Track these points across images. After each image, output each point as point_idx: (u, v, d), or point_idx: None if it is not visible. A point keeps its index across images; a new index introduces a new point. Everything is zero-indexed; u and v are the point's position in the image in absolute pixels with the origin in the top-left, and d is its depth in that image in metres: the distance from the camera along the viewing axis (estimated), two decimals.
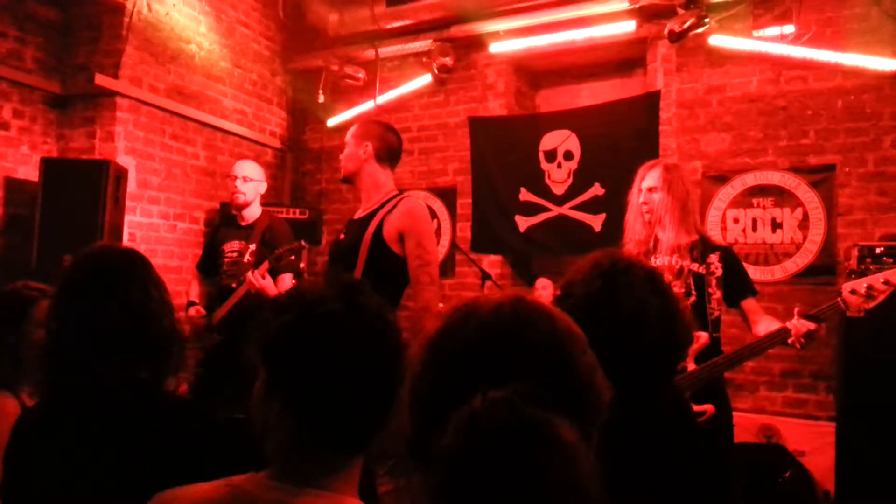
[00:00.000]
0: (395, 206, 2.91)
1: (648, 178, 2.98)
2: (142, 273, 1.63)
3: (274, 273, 3.50)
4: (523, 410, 0.75)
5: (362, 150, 3.00)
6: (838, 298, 2.63)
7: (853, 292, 2.60)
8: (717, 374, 2.79)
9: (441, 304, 2.77)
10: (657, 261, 2.98)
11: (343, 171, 3.10)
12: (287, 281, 3.67)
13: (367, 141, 3.01)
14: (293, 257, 3.62)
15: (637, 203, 3.01)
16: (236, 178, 3.90)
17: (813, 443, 4.24)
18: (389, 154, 3.06)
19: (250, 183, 3.93)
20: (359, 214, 3.06)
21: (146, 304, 1.59)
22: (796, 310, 2.61)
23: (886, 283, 2.56)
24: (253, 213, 3.98)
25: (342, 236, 3.11)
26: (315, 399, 1.11)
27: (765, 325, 2.85)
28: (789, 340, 2.60)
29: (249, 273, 3.45)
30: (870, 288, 2.57)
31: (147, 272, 1.64)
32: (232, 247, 3.91)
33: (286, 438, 1.13)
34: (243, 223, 3.97)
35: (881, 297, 2.58)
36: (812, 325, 2.57)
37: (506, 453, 0.73)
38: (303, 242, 3.57)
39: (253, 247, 3.76)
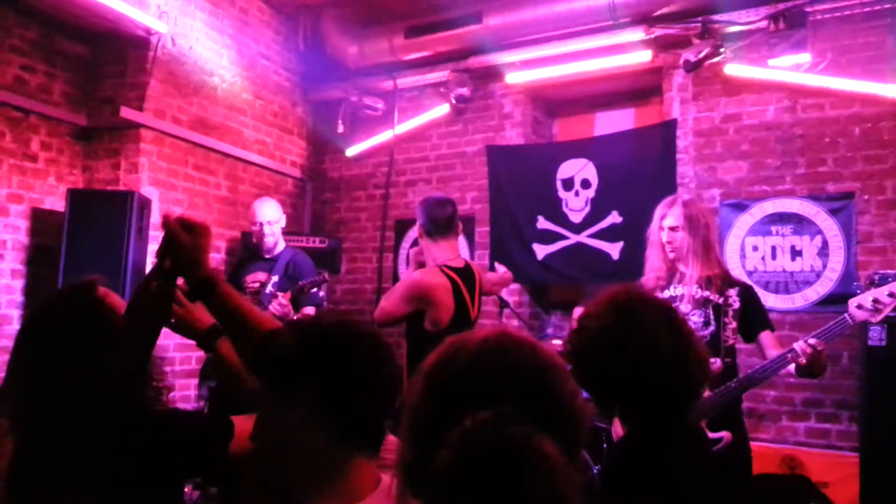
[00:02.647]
0: None
1: (670, 217, 3.04)
2: (94, 324, 1.57)
3: (296, 304, 3.58)
4: (507, 427, 0.84)
5: (417, 230, 3.21)
6: (845, 314, 2.65)
7: (859, 307, 2.63)
8: (730, 399, 2.79)
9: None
10: (678, 290, 3.01)
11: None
12: (310, 312, 3.74)
13: (418, 220, 3.19)
14: (316, 289, 3.71)
15: (658, 240, 3.06)
16: (262, 223, 4.04)
17: (836, 473, 4.18)
18: (436, 227, 3.15)
19: (275, 224, 4.08)
20: None
21: (94, 359, 1.52)
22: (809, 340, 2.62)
23: (891, 295, 2.58)
24: (277, 246, 4.09)
25: None
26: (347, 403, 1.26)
27: (778, 352, 2.86)
28: (800, 361, 2.61)
29: (274, 301, 3.52)
30: (875, 301, 2.59)
31: (99, 321, 1.57)
32: (255, 278, 4.00)
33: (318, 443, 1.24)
34: (268, 255, 4.07)
35: (887, 310, 2.61)
36: (817, 344, 2.58)
37: (493, 466, 0.82)
38: (326, 275, 3.66)
39: (276, 279, 3.86)
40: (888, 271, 4.04)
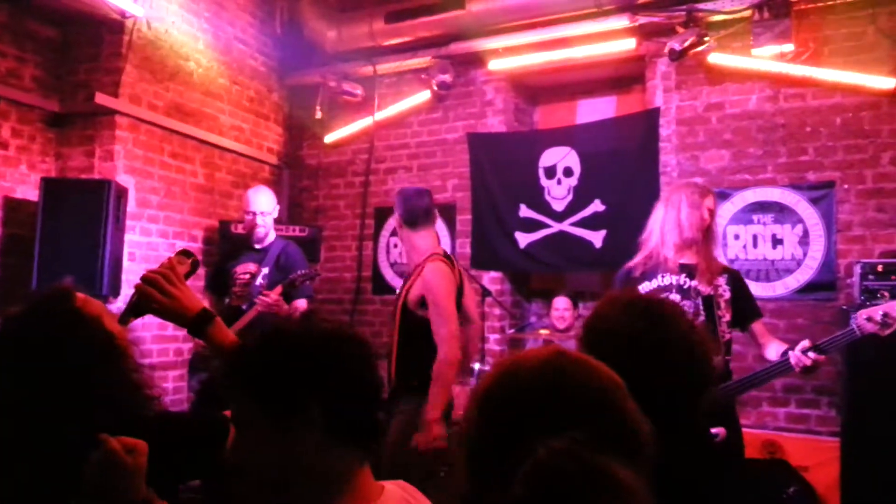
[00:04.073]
0: (419, 274, 3.21)
1: (710, 200, 3.07)
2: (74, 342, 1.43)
3: (287, 297, 3.54)
4: (585, 457, 0.79)
5: (395, 221, 3.33)
6: (853, 325, 2.65)
7: (869, 319, 2.62)
8: (728, 398, 2.82)
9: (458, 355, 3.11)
10: (666, 279, 3.02)
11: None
12: (302, 306, 3.70)
13: (396, 211, 3.31)
14: (307, 282, 3.67)
15: (699, 218, 3.02)
16: (255, 213, 3.96)
17: (816, 458, 4.25)
18: (417, 217, 3.27)
19: (268, 216, 4.00)
20: (405, 278, 3.39)
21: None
22: (807, 342, 2.64)
23: None
24: (268, 237, 4.03)
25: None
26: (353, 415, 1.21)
27: (774, 350, 2.90)
28: (796, 370, 2.64)
29: (259, 298, 3.46)
30: (885, 315, 2.58)
31: (82, 338, 1.44)
32: (245, 269, 3.93)
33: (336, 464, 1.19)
34: (258, 246, 4.00)
35: None
36: (816, 359, 2.60)
37: (573, 499, 0.76)
38: (318, 269, 3.62)
39: (266, 270, 3.80)
40: (870, 260, 4.11)
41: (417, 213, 3.27)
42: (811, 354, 2.59)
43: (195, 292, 1.68)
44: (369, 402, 1.25)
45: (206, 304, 4.02)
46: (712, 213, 3.06)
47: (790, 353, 2.66)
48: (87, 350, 1.41)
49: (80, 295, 1.51)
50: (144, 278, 1.58)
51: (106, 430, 1.33)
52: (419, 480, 1.45)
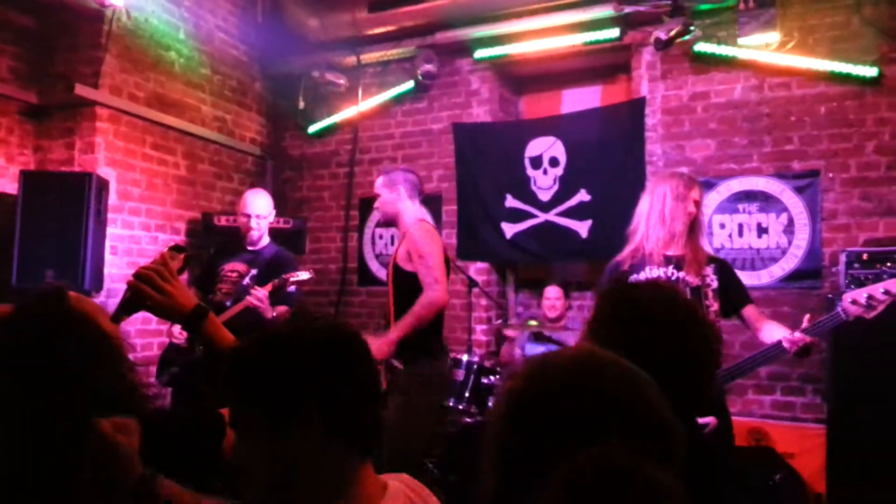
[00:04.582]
0: (407, 235, 3.54)
1: (696, 192, 3.05)
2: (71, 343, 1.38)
3: (274, 298, 3.53)
4: (623, 462, 0.78)
5: (396, 195, 3.58)
6: (839, 308, 2.68)
7: (853, 302, 2.64)
8: (718, 385, 2.82)
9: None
10: (654, 272, 3.01)
11: (384, 217, 3.67)
12: (283, 311, 3.69)
13: (397, 180, 3.61)
14: (295, 287, 3.67)
15: (683, 211, 3.00)
16: (250, 216, 3.91)
17: (802, 445, 4.30)
18: (413, 190, 3.65)
19: (263, 219, 3.96)
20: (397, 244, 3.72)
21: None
22: (802, 325, 2.65)
23: (886, 293, 2.61)
24: (262, 240, 3.99)
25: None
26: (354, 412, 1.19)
27: (769, 332, 2.90)
28: (789, 353, 2.65)
29: (253, 290, 3.43)
30: (870, 297, 2.62)
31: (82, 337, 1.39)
32: (234, 268, 3.90)
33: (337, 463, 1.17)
34: (250, 248, 3.97)
35: (881, 308, 2.63)
36: (807, 339, 2.62)
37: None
38: (312, 273, 3.64)
39: (255, 272, 3.78)
40: (854, 248, 4.14)
41: (415, 186, 3.65)
42: (797, 335, 2.62)
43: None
44: (369, 400, 1.23)
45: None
46: (698, 204, 3.05)
47: (784, 338, 2.67)
48: (82, 349, 1.35)
49: (73, 294, 1.47)
50: (137, 275, 1.54)
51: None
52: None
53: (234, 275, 3.85)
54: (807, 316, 2.69)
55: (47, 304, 1.40)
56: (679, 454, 0.89)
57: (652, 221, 3.03)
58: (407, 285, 3.44)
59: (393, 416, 3.23)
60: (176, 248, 1.68)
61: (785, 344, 2.65)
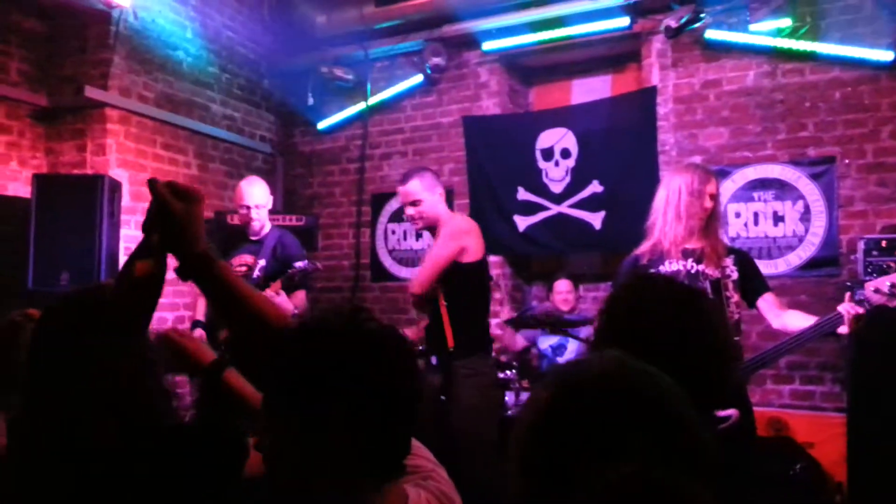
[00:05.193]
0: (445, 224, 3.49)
1: (711, 186, 3.00)
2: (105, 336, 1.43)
3: (286, 289, 3.50)
4: (657, 480, 0.76)
5: (438, 197, 3.48)
6: (862, 298, 2.65)
7: (876, 290, 2.63)
8: (741, 376, 2.80)
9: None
10: (674, 265, 2.98)
11: (426, 222, 3.48)
12: (301, 297, 3.65)
13: (439, 188, 3.50)
14: (304, 265, 3.64)
15: (700, 207, 2.97)
16: (249, 206, 3.89)
17: (821, 434, 4.27)
18: (443, 191, 3.60)
19: (262, 208, 3.94)
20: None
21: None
22: (847, 295, 2.64)
23: None
24: (264, 228, 3.97)
25: None
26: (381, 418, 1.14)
27: (792, 319, 2.87)
28: (840, 329, 2.63)
29: (267, 292, 3.42)
30: (892, 286, 2.60)
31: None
32: (242, 261, 3.88)
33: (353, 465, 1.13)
34: (254, 237, 3.95)
35: None
36: (860, 309, 2.61)
37: None
38: (318, 265, 3.61)
39: (263, 262, 3.74)
40: (872, 235, 4.09)
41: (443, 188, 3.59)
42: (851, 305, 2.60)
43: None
44: (404, 418, 1.18)
45: (201, 300, 3.96)
46: (714, 197, 3.01)
47: (840, 306, 2.65)
48: (126, 352, 1.41)
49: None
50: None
51: (142, 436, 1.34)
52: None
53: (244, 268, 3.84)
54: (847, 294, 2.66)
55: (91, 295, 1.50)
56: (711, 467, 0.87)
57: (668, 217, 3.00)
58: (459, 283, 3.35)
59: (470, 399, 3.27)
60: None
61: (841, 310, 2.63)
